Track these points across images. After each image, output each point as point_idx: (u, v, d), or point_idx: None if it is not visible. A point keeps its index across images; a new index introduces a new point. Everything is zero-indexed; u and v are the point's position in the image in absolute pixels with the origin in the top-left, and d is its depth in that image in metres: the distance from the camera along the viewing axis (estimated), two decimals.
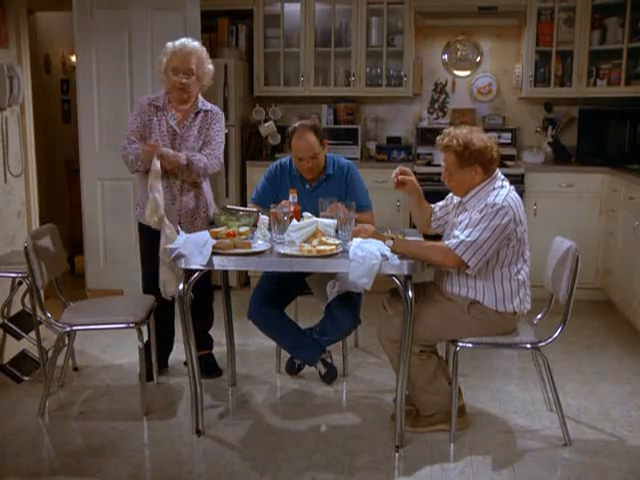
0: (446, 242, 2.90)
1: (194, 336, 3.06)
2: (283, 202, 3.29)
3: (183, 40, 3.50)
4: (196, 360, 3.07)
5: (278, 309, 3.51)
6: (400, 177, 3.13)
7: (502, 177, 3.00)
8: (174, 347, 3.85)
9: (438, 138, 3.00)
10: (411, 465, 2.86)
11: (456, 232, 2.88)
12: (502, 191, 2.90)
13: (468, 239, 2.82)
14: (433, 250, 2.91)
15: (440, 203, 3.26)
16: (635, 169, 4.85)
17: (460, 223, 2.94)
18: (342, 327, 3.48)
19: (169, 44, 3.50)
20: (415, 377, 3.01)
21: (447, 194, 3.23)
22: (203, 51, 3.53)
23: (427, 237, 3.23)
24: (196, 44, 3.51)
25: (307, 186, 3.54)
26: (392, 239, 2.90)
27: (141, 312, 3.31)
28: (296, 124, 3.48)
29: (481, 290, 2.94)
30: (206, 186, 3.65)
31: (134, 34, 4.93)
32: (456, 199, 3.10)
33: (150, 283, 3.63)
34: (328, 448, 3.01)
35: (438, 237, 3.19)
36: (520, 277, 2.96)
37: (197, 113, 3.54)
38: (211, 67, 3.58)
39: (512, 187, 2.97)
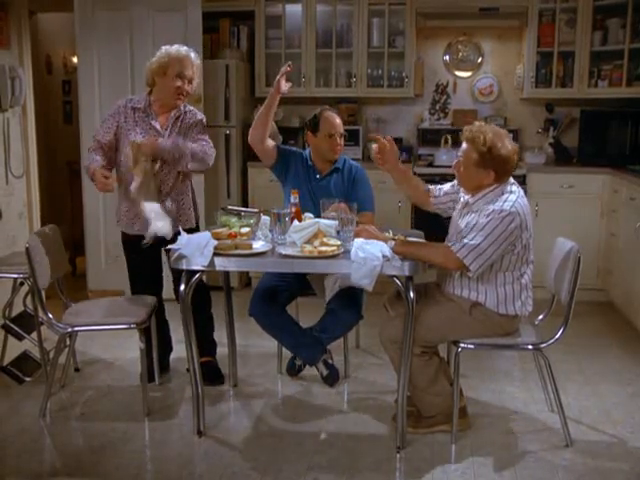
0: (449, 244, 2.89)
1: (197, 342, 3.07)
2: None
3: (185, 48, 3.48)
4: (197, 361, 3.07)
5: (279, 307, 3.52)
6: (378, 156, 3.15)
7: (512, 181, 2.96)
8: (177, 349, 3.85)
9: (465, 128, 2.95)
10: (412, 466, 2.86)
11: (460, 234, 2.87)
12: (511, 196, 2.86)
13: (471, 243, 2.80)
14: (434, 252, 2.90)
15: (445, 188, 3.21)
16: (636, 170, 4.84)
17: (466, 225, 2.91)
18: (343, 322, 3.49)
19: (170, 48, 3.45)
20: (416, 378, 3.01)
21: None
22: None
23: (430, 238, 3.22)
24: (196, 55, 3.51)
25: (317, 176, 3.62)
26: (393, 240, 2.89)
27: (142, 313, 3.31)
28: (321, 108, 3.63)
29: (483, 292, 2.93)
30: (189, 192, 3.62)
31: (135, 35, 4.93)
32: (463, 199, 3.06)
33: (139, 289, 3.64)
34: (329, 449, 3.01)
35: (441, 239, 3.18)
36: (523, 280, 2.95)
37: (178, 116, 3.51)
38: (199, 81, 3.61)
39: (522, 192, 2.93)
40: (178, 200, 3.55)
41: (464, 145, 2.93)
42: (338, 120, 3.59)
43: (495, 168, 2.86)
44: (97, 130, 3.56)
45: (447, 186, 3.22)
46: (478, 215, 2.88)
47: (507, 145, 2.87)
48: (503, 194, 2.89)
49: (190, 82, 3.45)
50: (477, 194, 2.94)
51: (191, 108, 3.59)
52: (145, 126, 3.45)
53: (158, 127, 3.46)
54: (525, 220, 2.85)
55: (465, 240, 2.81)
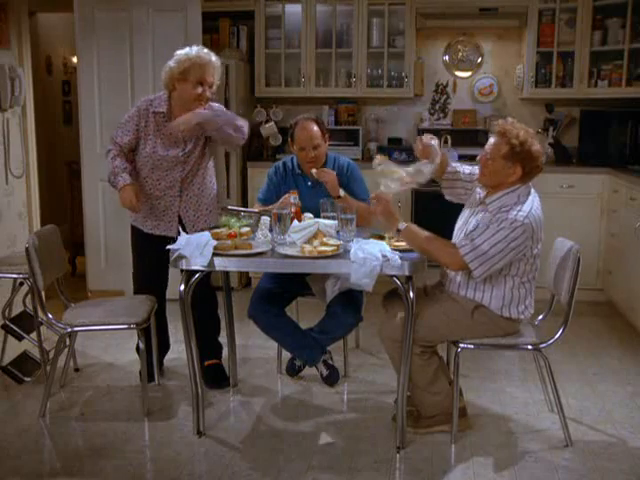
0: (457, 243, 2.86)
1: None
2: (285, 196, 3.33)
3: (205, 50, 3.37)
4: (197, 361, 3.07)
5: (278, 308, 3.51)
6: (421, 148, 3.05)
7: (532, 188, 2.94)
8: (180, 349, 3.85)
9: (496, 123, 2.92)
10: (412, 466, 2.86)
11: (470, 235, 2.84)
12: (525, 207, 2.83)
13: (479, 248, 2.77)
14: (442, 249, 2.86)
15: (466, 171, 3.15)
16: (636, 170, 4.84)
17: (477, 225, 2.88)
18: (343, 324, 3.49)
19: (191, 52, 3.33)
20: (416, 377, 3.01)
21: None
22: None
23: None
24: (217, 58, 3.41)
25: (309, 183, 3.57)
26: (405, 223, 2.85)
27: (142, 313, 3.31)
28: (298, 117, 3.55)
29: (489, 294, 2.93)
30: (210, 179, 3.62)
31: (135, 35, 4.93)
32: (479, 195, 3.02)
33: (142, 285, 3.65)
34: (329, 449, 3.01)
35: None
36: (528, 285, 2.96)
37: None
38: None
39: (537, 202, 2.90)
40: (199, 197, 3.55)
41: (493, 139, 2.88)
42: (312, 132, 3.44)
43: (523, 164, 2.84)
44: (115, 132, 3.48)
45: (468, 170, 3.16)
46: (491, 216, 2.84)
47: (537, 144, 2.87)
48: (519, 201, 2.85)
49: (211, 87, 3.37)
50: (494, 194, 2.90)
51: (213, 105, 3.46)
52: (166, 132, 3.42)
53: (179, 134, 3.42)
54: (537, 232, 2.84)
55: (473, 244, 2.79)
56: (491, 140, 2.90)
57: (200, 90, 3.33)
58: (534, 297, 3.01)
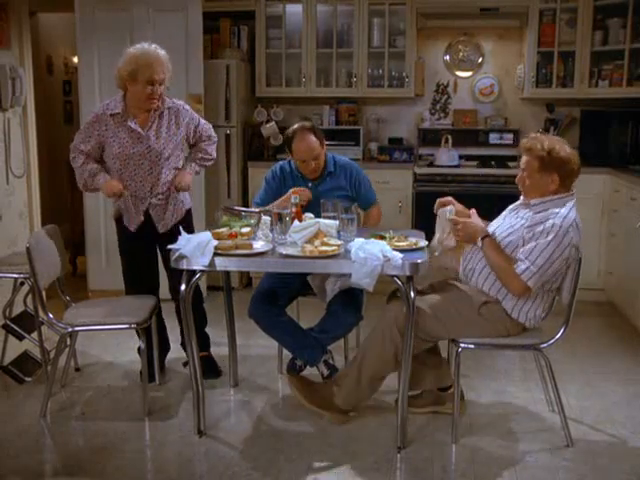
0: (516, 267, 2.86)
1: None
2: (291, 191, 3.36)
3: (153, 46, 3.37)
4: (198, 360, 3.07)
5: (279, 308, 3.51)
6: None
7: (573, 199, 2.99)
8: (172, 347, 3.85)
9: (522, 141, 3.01)
10: (412, 466, 2.86)
11: (521, 256, 2.86)
12: (571, 213, 2.89)
13: (535, 266, 2.82)
14: (508, 271, 2.88)
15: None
16: (637, 170, 4.84)
17: (520, 224, 2.94)
18: (344, 323, 3.49)
19: (136, 52, 3.33)
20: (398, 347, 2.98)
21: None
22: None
23: (430, 238, 3.21)
24: (164, 52, 3.40)
25: (310, 185, 3.57)
26: (486, 236, 2.93)
27: (143, 313, 3.31)
28: (295, 127, 3.55)
29: (506, 290, 2.94)
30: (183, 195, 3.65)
31: (136, 35, 4.91)
32: (521, 199, 3.09)
33: (132, 285, 3.65)
34: (329, 449, 3.01)
35: None
36: (546, 297, 2.98)
37: (160, 114, 3.46)
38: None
39: (574, 212, 2.93)
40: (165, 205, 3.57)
41: (523, 157, 2.98)
42: (311, 144, 3.46)
43: (558, 171, 2.90)
44: (75, 142, 3.46)
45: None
46: (536, 222, 2.89)
47: (565, 147, 2.93)
48: (564, 206, 2.91)
49: (161, 84, 3.37)
50: (540, 198, 2.97)
51: (171, 102, 3.50)
52: (126, 130, 3.40)
53: (139, 129, 3.41)
54: (575, 237, 2.88)
55: (531, 264, 2.82)
56: (523, 159, 2.99)
57: (150, 89, 3.34)
58: (546, 311, 3.03)
